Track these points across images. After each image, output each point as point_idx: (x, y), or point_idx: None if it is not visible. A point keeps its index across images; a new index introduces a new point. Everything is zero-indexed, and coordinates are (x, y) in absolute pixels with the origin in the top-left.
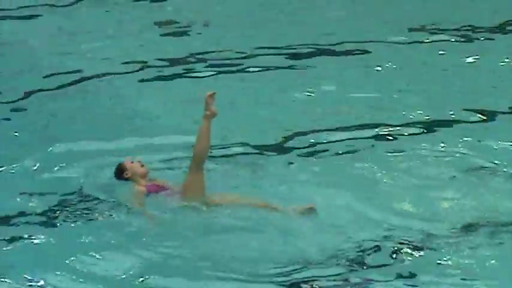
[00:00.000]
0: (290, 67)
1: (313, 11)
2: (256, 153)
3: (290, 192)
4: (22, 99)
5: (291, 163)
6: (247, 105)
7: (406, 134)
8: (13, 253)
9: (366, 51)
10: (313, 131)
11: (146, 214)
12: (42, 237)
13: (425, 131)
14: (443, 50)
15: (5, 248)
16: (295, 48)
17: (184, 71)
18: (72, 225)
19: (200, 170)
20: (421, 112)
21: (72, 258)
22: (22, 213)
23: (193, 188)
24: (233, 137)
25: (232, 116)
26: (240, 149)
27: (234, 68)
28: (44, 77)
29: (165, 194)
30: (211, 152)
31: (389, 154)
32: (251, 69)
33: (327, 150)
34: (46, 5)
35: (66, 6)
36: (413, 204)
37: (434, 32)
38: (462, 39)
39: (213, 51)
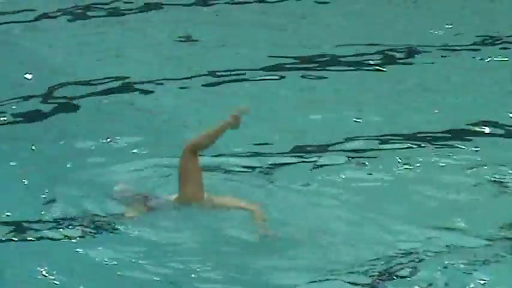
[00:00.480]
0: (302, 75)
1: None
2: (264, 163)
3: (305, 206)
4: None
5: (301, 174)
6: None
7: (424, 144)
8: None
9: (377, 59)
10: (324, 140)
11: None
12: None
13: (444, 141)
14: (457, 59)
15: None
16: (305, 56)
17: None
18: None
19: (195, 156)
20: (437, 122)
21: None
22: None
23: (190, 178)
24: (241, 146)
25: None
26: (246, 159)
27: (243, 76)
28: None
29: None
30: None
31: (410, 165)
32: (262, 78)
33: (344, 159)
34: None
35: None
36: (433, 217)
37: (449, 39)
38: (478, 48)
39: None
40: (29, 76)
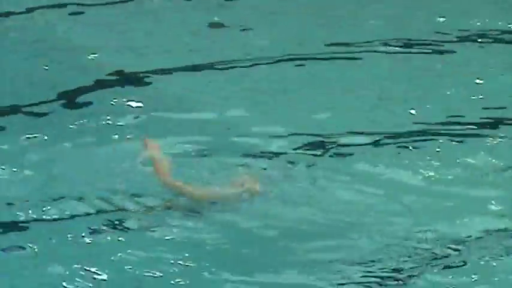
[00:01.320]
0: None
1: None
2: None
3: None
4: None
5: (319, 166)
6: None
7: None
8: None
9: (401, 46)
10: (343, 134)
11: None
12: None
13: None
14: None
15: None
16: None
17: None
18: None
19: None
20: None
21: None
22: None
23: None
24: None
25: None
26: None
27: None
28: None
29: None
30: None
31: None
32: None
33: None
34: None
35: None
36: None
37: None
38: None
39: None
40: (48, 65)
